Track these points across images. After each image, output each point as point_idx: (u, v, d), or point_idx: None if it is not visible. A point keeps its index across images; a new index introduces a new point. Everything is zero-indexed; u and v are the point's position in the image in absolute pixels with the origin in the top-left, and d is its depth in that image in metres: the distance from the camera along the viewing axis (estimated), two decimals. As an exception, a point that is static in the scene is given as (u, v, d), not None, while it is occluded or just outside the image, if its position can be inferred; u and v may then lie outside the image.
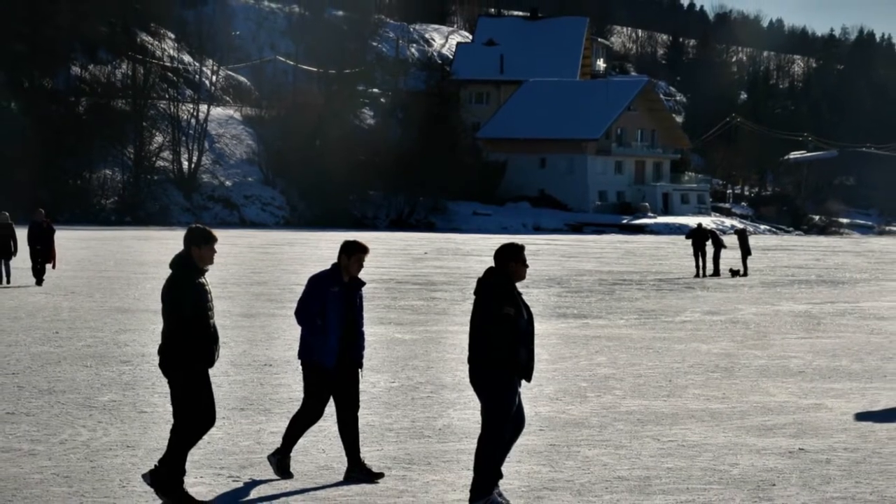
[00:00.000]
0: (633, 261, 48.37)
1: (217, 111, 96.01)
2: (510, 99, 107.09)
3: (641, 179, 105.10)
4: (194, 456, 9.02)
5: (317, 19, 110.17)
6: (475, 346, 8.43)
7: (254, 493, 8.96)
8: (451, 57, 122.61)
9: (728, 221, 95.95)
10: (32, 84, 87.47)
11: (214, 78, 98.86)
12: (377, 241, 31.17)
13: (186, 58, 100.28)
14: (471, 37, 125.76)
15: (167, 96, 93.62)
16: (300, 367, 9.61)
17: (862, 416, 13.00)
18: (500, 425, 8.44)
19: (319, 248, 47.27)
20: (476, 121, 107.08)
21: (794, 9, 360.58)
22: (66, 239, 37.38)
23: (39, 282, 28.22)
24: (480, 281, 8.50)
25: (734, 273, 37.57)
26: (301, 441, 9.71)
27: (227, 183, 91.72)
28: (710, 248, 38.02)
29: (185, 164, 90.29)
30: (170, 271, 8.51)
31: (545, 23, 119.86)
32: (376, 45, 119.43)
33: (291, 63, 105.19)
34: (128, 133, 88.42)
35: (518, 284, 8.52)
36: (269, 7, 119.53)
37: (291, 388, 13.48)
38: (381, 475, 9.45)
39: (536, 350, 8.71)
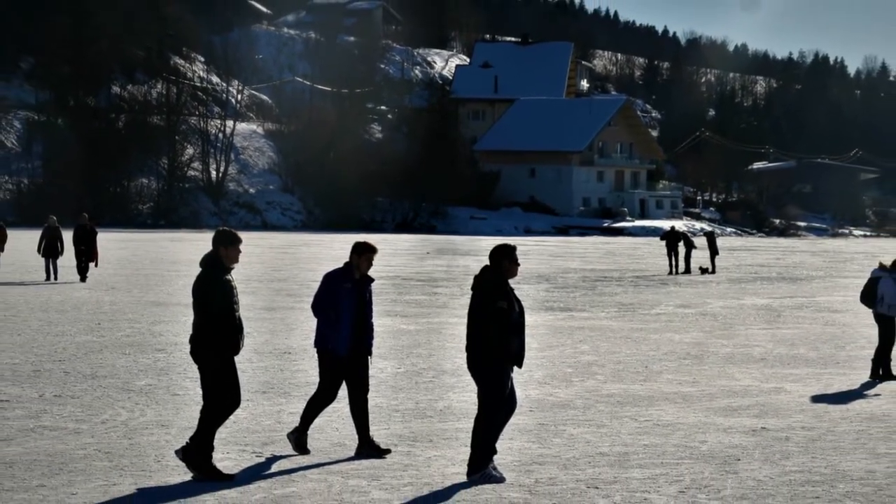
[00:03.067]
0: (613, 260, 48.33)
1: (242, 126, 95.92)
2: (503, 115, 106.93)
3: (621, 187, 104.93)
4: (221, 434, 9.02)
5: (331, 44, 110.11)
6: (472, 337, 8.44)
7: (274, 467, 8.96)
8: (450, 78, 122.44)
9: (698, 225, 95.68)
10: (77, 102, 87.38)
11: (239, 96, 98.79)
12: (384, 243, 31.14)
13: (215, 78, 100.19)
14: (468, 60, 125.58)
15: (197, 113, 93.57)
16: (316, 355, 9.62)
17: (817, 399, 13.02)
18: (495, 408, 8.45)
19: (333, 249, 47.24)
20: (473, 135, 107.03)
21: (757, 35, 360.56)
22: (107, 240, 37.37)
23: (83, 278, 28.22)
24: (477, 278, 8.50)
25: (703, 271, 37.55)
26: (317, 421, 9.71)
27: (251, 190, 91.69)
28: (682, 249, 38.01)
29: (214, 174, 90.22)
30: (200, 269, 8.52)
31: (535, 48, 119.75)
32: (384, 67, 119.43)
33: (308, 83, 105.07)
34: (162, 146, 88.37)
35: (510, 280, 8.52)
36: (288, 34, 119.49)
37: (308, 373, 13.47)
38: (388, 451, 9.45)
39: (527, 340, 8.72)
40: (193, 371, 9.42)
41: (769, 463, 9.28)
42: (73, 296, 24.74)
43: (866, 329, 17.38)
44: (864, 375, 14.63)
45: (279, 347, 16.69)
